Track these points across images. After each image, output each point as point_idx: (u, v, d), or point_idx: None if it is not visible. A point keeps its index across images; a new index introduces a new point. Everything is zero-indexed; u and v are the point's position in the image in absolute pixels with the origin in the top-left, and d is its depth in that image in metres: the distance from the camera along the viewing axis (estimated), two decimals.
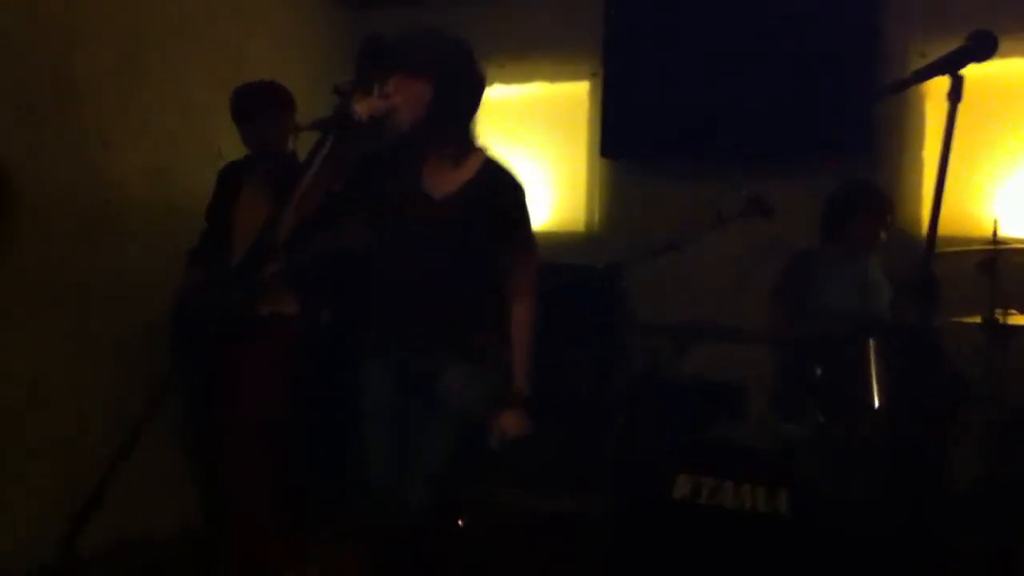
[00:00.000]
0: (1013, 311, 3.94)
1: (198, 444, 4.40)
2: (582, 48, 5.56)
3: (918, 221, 4.82)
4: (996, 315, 3.92)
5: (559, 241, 5.35)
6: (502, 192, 3.02)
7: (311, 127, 2.87)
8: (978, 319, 3.97)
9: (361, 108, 2.77)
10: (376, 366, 3.08)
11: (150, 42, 4.64)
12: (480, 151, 3.05)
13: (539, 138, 5.73)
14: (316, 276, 3.98)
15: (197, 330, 3.76)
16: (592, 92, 5.65)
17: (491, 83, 5.29)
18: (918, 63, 2.33)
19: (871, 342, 3.59)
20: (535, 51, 5.72)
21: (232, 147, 4.23)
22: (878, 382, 3.53)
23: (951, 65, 2.20)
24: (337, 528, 4.36)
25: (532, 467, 4.26)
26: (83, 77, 4.33)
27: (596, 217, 5.67)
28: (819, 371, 3.73)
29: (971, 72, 2.21)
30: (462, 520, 3.28)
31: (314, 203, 2.93)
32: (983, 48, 2.21)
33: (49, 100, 4.18)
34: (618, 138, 5.47)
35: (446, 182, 2.99)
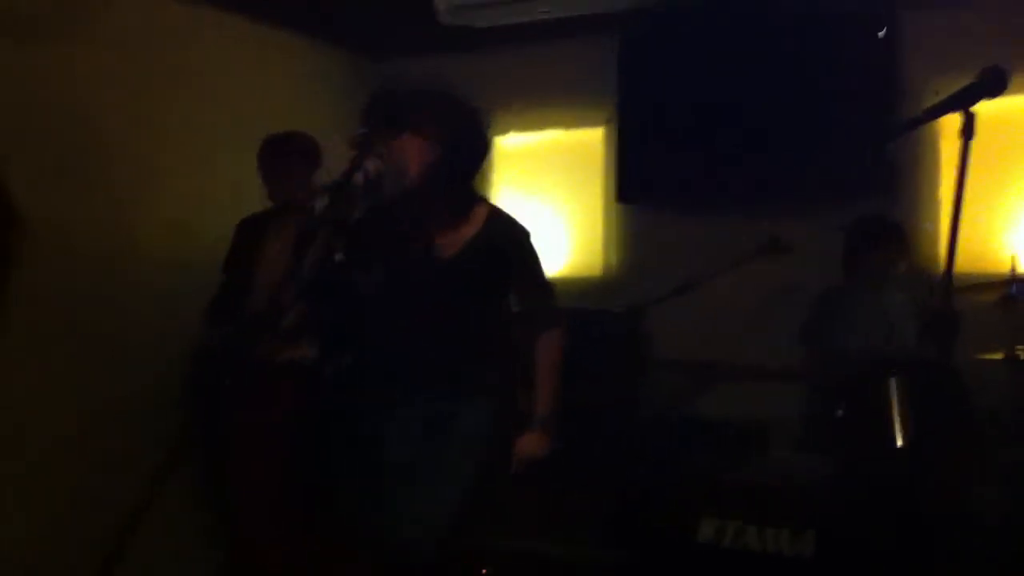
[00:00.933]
0: None
1: (219, 496, 4.39)
2: (596, 95, 5.59)
3: (937, 259, 4.80)
4: (1018, 351, 3.89)
5: (577, 287, 5.35)
6: (510, 243, 3.09)
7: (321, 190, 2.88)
8: (1000, 355, 3.94)
9: (356, 176, 2.77)
10: (387, 412, 3.11)
11: (168, 103, 4.71)
12: (482, 203, 3.10)
13: (555, 185, 5.75)
14: (335, 323, 3.99)
15: (217, 380, 3.77)
16: (607, 138, 5.68)
17: (507, 131, 5.36)
18: (933, 101, 2.32)
19: (893, 380, 3.57)
20: (550, 99, 5.76)
21: (250, 199, 4.27)
22: (900, 421, 3.51)
23: (962, 102, 2.20)
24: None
25: (552, 512, 4.24)
26: (109, 137, 4.39)
27: (614, 262, 5.67)
28: (841, 410, 3.71)
29: (985, 108, 2.21)
30: (486, 570, 3.27)
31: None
32: (994, 84, 2.22)
33: (76, 160, 4.22)
34: (635, 184, 5.48)
35: (452, 239, 3.03)
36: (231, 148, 4.66)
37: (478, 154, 3.06)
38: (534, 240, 3.15)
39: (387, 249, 3.08)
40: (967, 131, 2.17)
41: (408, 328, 3.08)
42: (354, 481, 3.80)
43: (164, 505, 2.35)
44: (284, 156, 4.09)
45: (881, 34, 4.88)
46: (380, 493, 3.10)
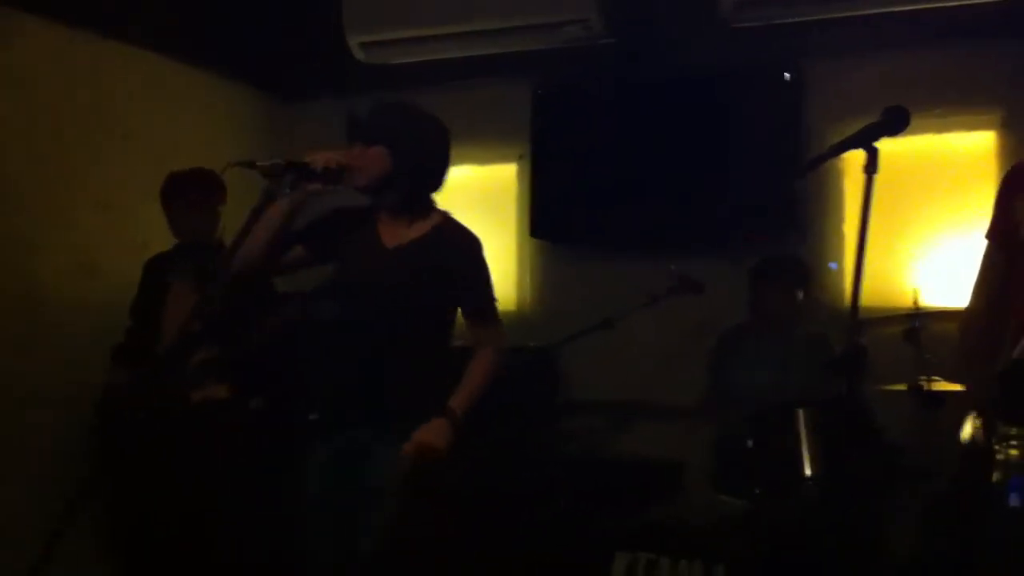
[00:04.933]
0: (937, 378, 4.00)
1: (129, 540, 4.27)
2: (509, 132, 5.62)
3: (843, 294, 4.91)
4: (921, 382, 3.98)
5: None
6: (455, 246, 3.12)
7: (268, 169, 2.82)
8: (903, 387, 4.02)
9: (315, 159, 2.85)
10: (315, 446, 3.07)
11: (79, 141, 4.61)
12: (438, 213, 3.17)
13: (469, 220, 5.74)
14: (247, 362, 3.94)
15: (127, 424, 3.70)
16: (520, 175, 5.71)
17: None
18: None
19: (800, 412, 3.63)
20: (463, 135, 5.76)
21: (157, 239, 4.21)
22: (809, 452, 3.57)
23: (866, 139, 2.26)
24: None
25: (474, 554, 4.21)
26: (7, 176, 4.29)
27: (528, 298, 5.68)
28: (751, 443, 3.76)
29: (887, 147, 2.27)
30: None
31: (261, 251, 2.94)
32: (896, 122, 2.28)
33: None
34: (548, 219, 5.51)
35: (399, 236, 3.08)
36: (139, 187, 4.61)
37: (430, 162, 3.14)
38: (483, 251, 3.17)
39: (334, 240, 3.11)
40: (871, 166, 2.23)
41: (335, 355, 3.05)
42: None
43: (67, 552, 2.29)
44: (188, 194, 4.06)
45: (787, 77, 5.00)
46: (307, 537, 3.04)
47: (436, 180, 3.17)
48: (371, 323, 3.01)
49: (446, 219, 3.17)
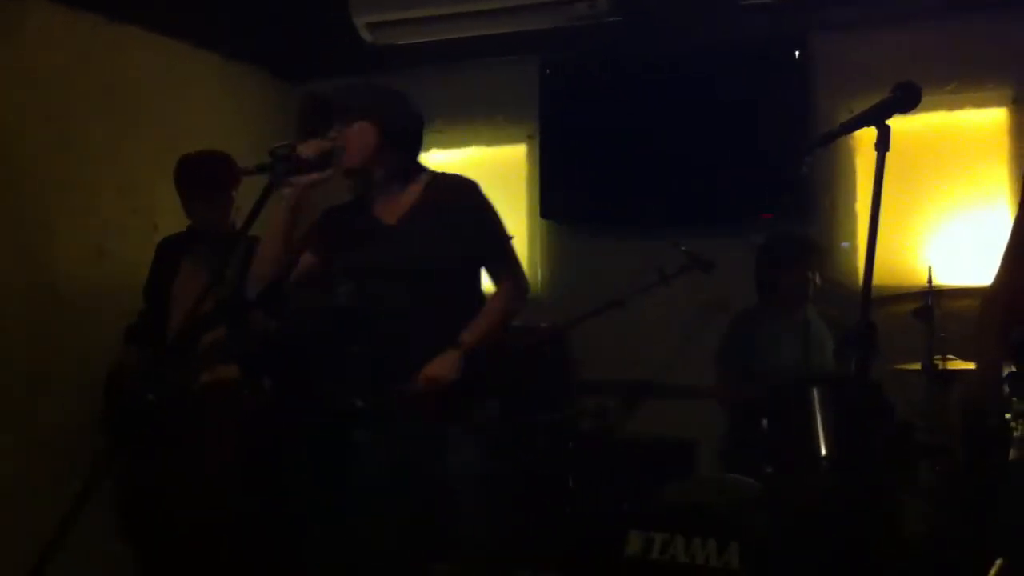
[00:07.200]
0: (951, 356, 3.99)
1: (137, 521, 4.28)
2: (518, 112, 5.61)
3: (855, 272, 4.89)
4: (935, 360, 3.97)
5: None
6: (454, 196, 3.09)
7: (255, 171, 2.83)
8: (918, 365, 4.01)
9: (305, 148, 2.85)
10: (357, 432, 3.09)
11: (90, 125, 4.61)
12: (427, 173, 3.15)
13: None
14: (255, 345, 3.94)
15: (135, 405, 3.70)
16: (529, 155, 5.69)
17: (429, 148, 5.32)
18: (846, 119, 2.35)
19: (815, 391, 3.61)
20: (472, 116, 5.76)
21: (170, 222, 4.21)
22: (824, 431, 3.56)
23: (877, 115, 2.23)
24: None
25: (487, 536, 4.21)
26: (23, 162, 4.29)
27: (538, 278, 5.67)
28: (765, 423, 3.75)
29: (899, 125, 2.24)
30: None
31: (274, 254, 2.96)
32: (907, 99, 2.25)
33: None
34: (557, 199, 5.51)
35: (396, 209, 3.07)
36: (152, 170, 4.60)
37: (413, 129, 3.13)
38: (481, 191, 3.15)
39: (338, 233, 3.11)
40: (882, 143, 2.19)
41: (366, 339, 3.06)
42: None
43: (80, 537, 2.29)
44: (201, 176, 4.04)
45: (798, 54, 4.97)
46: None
47: (420, 141, 3.17)
48: (394, 304, 3.00)
49: (435, 176, 3.16)
